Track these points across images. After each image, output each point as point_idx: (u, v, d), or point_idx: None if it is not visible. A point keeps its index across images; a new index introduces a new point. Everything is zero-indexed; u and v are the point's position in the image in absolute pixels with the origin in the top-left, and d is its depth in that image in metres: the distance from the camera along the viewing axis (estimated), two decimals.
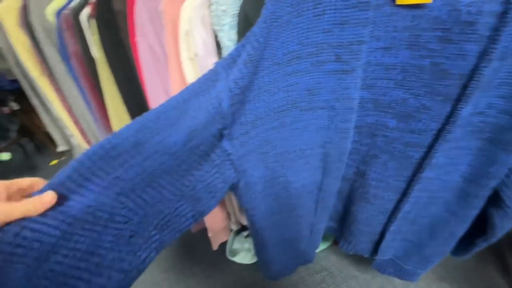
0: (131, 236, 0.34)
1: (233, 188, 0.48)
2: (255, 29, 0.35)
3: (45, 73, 1.03)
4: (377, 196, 0.52)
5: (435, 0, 0.32)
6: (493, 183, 0.42)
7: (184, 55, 0.61)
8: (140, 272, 0.35)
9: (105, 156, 0.33)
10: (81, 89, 0.90)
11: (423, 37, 0.35)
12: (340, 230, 0.64)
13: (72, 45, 0.80)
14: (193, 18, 0.56)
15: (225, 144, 0.41)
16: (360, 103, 0.44)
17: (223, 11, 0.55)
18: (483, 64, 0.33)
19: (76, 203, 0.30)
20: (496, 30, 0.31)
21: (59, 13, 0.78)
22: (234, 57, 0.38)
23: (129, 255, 0.34)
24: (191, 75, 0.63)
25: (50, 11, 0.83)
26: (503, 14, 0.30)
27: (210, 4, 0.56)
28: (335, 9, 0.35)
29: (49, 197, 0.27)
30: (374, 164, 0.48)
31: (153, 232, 0.37)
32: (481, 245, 0.52)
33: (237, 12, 0.54)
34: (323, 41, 0.38)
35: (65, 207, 0.29)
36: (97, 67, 0.77)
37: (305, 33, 0.37)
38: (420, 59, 0.37)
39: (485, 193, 0.43)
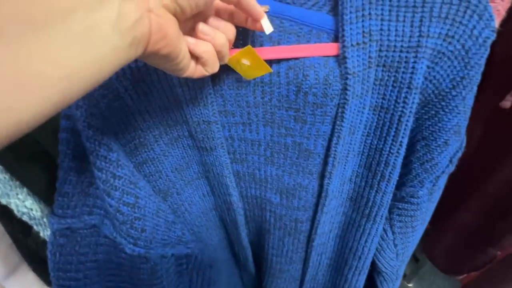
0: None
1: None
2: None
3: None
4: (283, 270, 0.49)
5: (279, 77, 0.28)
6: (361, 248, 0.40)
7: None
8: None
9: None
10: None
11: (278, 114, 0.30)
12: None
13: None
14: None
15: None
16: (237, 176, 0.38)
17: None
18: (335, 142, 0.30)
19: None
20: (341, 107, 0.28)
21: None
22: None
23: None
24: None
25: None
26: (343, 91, 0.27)
27: None
28: (161, 86, 0.27)
29: None
30: (271, 240, 0.45)
31: None
32: None
33: None
34: (166, 119, 0.30)
35: None
36: None
37: (139, 116, 0.29)
38: (282, 137, 0.32)
39: (357, 262, 0.42)
